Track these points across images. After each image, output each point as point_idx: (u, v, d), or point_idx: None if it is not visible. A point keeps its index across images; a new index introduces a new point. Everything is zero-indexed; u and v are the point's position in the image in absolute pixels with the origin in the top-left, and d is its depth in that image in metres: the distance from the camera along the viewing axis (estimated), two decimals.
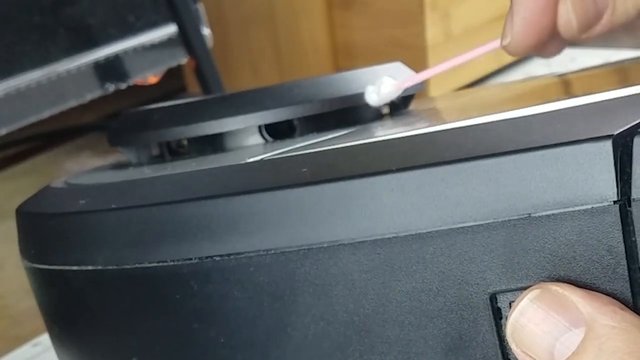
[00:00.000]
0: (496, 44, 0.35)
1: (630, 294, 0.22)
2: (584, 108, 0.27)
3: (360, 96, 0.36)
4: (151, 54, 1.11)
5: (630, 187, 0.21)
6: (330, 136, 0.34)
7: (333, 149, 0.29)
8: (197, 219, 0.25)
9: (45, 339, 0.58)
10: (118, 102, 1.19)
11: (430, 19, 1.25)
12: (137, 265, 0.26)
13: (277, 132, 0.36)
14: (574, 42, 0.35)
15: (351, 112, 0.37)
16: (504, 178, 0.22)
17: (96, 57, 1.06)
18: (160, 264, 0.26)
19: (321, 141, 0.32)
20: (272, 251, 0.24)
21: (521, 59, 1.05)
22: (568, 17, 0.33)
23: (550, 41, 0.35)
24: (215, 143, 0.37)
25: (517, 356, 0.23)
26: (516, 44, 0.34)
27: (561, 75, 0.45)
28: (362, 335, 0.24)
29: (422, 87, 0.39)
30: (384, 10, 1.27)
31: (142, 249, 0.26)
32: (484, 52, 0.36)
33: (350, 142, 0.31)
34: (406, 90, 0.37)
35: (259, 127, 0.36)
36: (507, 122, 0.27)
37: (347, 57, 1.32)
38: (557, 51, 0.36)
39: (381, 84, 0.36)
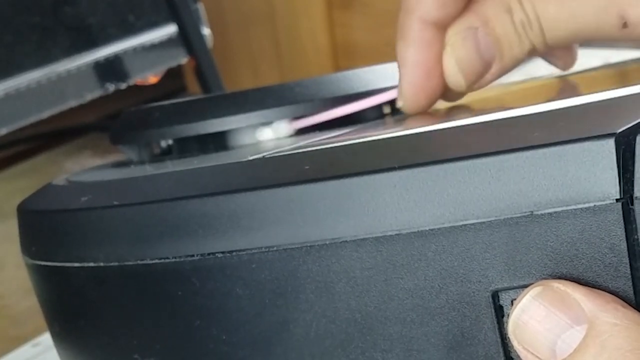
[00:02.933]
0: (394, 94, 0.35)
1: (632, 292, 0.22)
2: (586, 107, 0.27)
3: (363, 95, 0.36)
4: (151, 54, 1.11)
5: (632, 186, 0.22)
6: (332, 134, 0.34)
7: (335, 146, 0.29)
8: (199, 216, 0.25)
9: (45, 339, 0.58)
10: (118, 102, 1.19)
11: None
12: (139, 262, 0.26)
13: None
14: (470, 91, 0.35)
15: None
16: (506, 176, 0.22)
17: (96, 57, 1.06)
18: (162, 260, 0.26)
19: (323, 139, 0.32)
20: (274, 248, 0.24)
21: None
22: (455, 77, 0.33)
23: (449, 91, 0.35)
24: (217, 141, 0.37)
25: (519, 353, 0.23)
26: (410, 106, 0.34)
27: (561, 76, 0.45)
28: (364, 333, 0.24)
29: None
30: (384, 10, 1.27)
31: (144, 246, 0.26)
32: (381, 101, 0.36)
33: (352, 139, 0.31)
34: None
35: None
36: (509, 120, 0.27)
37: (347, 57, 1.31)
38: (460, 97, 0.36)
39: (275, 126, 0.36)
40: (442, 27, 0.33)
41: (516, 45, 0.33)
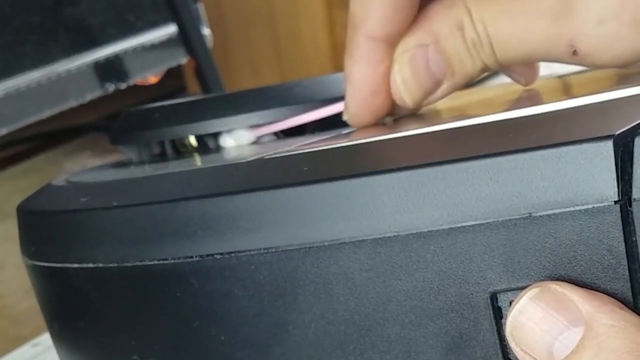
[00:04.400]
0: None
1: (630, 294, 0.22)
2: (585, 108, 0.27)
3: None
4: (151, 54, 1.11)
5: (631, 187, 0.22)
6: (330, 135, 0.34)
7: (334, 147, 0.29)
8: (198, 217, 0.25)
9: (45, 339, 0.58)
10: (118, 102, 1.20)
11: None
12: (138, 263, 0.26)
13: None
14: (419, 108, 0.34)
15: None
16: (504, 177, 0.22)
17: (96, 57, 1.06)
18: (161, 261, 0.26)
19: (322, 140, 0.32)
20: (273, 249, 0.24)
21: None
22: (402, 95, 0.32)
23: (397, 108, 0.34)
24: (216, 141, 0.37)
25: (517, 355, 0.23)
26: (355, 121, 0.34)
27: (561, 76, 0.45)
28: (362, 334, 0.24)
29: None
30: None
31: (143, 247, 0.26)
32: (334, 112, 0.36)
33: (351, 141, 0.31)
34: None
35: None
36: (507, 121, 0.27)
37: None
38: (413, 112, 0.35)
39: (237, 134, 0.36)
40: (390, 42, 0.32)
41: (468, 64, 0.32)
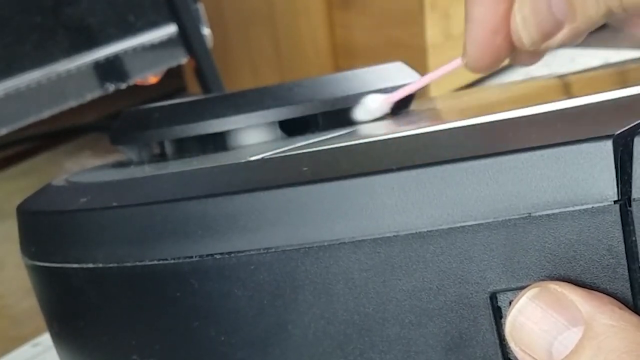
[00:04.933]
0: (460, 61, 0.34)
1: (630, 294, 0.22)
2: (585, 108, 0.27)
3: (362, 95, 0.36)
4: (151, 54, 1.11)
5: (630, 187, 0.22)
6: (330, 135, 0.34)
7: (334, 148, 0.29)
8: (197, 217, 0.25)
9: (45, 339, 0.58)
10: (118, 102, 1.20)
11: (430, 19, 1.25)
12: (138, 263, 0.26)
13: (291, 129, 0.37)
14: (538, 54, 0.33)
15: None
16: (504, 177, 0.22)
17: (96, 57, 1.06)
18: (161, 262, 0.26)
19: (322, 140, 0.32)
20: (273, 249, 0.24)
21: None
22: (519, 35, 0.31)
23: (517, 52, 0.33)
24: (216, 142, 0.37)
25: (516, 354, 0.23)
26: (474, 64, 0.33)
27: (561, 76, 0.45)
28: (362, 334, 0.24)
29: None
30: (384, 10, 1.27)
31: (143, 247, 0.26)
32: (452, 69, 0.35)
33: (351, 141, 0.31)
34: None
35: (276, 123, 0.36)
36: (507, 121, 0.27)
37: (347, 57, 1.32)
38: (532, 61, 0.34)
39: (369, 100, 0.36)
40: None
41: (591, 6, 0.30)
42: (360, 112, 0.36)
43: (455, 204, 0.23)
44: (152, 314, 0.26)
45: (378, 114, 0.36)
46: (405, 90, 0.36)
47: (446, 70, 0.35)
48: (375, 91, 0.36)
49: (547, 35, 0.31)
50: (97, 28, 1.06)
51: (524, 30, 0.31)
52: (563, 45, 0.32)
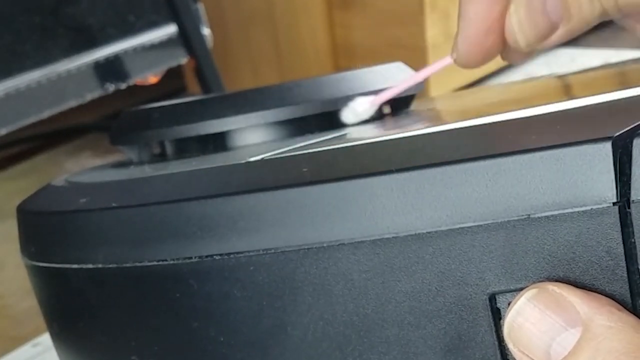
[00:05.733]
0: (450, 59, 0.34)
1: (628, 295, 0.22)
2: (584, 109, 0.27)
3: (364, 95, 0.36)
4: (151, 54, 1.11)
5: (629, 189, 0.22)
6: (330, 136, 0.34)
7: (333, 149, 0.29)
8: (197, 218, 0.25)
9: (45, 339, 0.58)
10: (118, 102, 1.20)
11: (430, 19, 1.25)
12: (137, 264, 0.26)
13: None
14: (531, 53, 0.33)
15: None
16: (503, 179, 0.22)
17: (96, 57, 1.06)
18: (160, 262, 0.26)
19: (321, 141, 0.32)
20: (272, 251, 0.24)
21: None
22: (515, 36, 0.32)
23: (509, 51, 0.33)
24: (216, 142, 0.37)
25: (515, 355, 0.23)
26: (464, 61, 0.33)
27: (561, 76, 0.45)
28: (361, 335, 0.24)
29: (422, 87, 0.39)
30: (384, 10, 1.27)
31: (142, 248, 0.26)
32: (442, 67, 0.35)
33: (350, 142, 0.31)
34: (406, 90, 0.37)
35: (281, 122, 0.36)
36: (506, 123, 0.27)
37: (347, 57, 1.32)
38: (523, 59, 0.34)
39: (356, 103, 0.36)
40: None
41: (586, 7, 0.30)
42: (347, 115, 0.36)
43: (454, 206, 0.23)
44: (151, 314, 0.26)
45: (366, 117, 0.36)
46: (390, 92, 0.36)
47: (435, 69, 0.35)
48: (369, 93, 0.36)
49: (543, 36, 0.31)
50: (97, 28, 1.06)
51: (519, 32, 0.31)
52: (557, 44, 0.32)
